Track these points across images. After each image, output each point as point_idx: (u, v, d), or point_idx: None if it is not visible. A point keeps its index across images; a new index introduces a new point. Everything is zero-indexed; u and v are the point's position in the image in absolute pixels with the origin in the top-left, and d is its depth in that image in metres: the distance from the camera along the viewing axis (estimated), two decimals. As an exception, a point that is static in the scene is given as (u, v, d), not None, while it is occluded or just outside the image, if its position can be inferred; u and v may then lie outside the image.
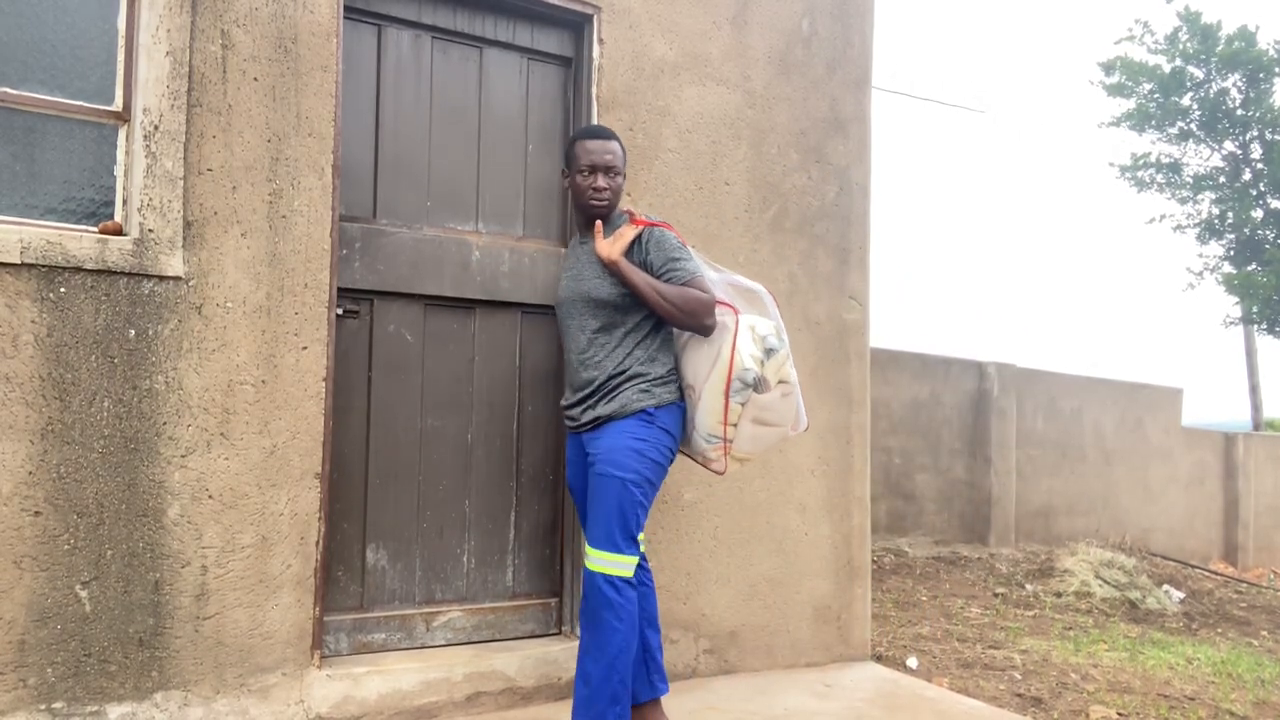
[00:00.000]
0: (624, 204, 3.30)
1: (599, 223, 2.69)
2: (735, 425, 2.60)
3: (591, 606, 2.48)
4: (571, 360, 2.71)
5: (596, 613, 2.47)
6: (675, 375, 2.69)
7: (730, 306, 2.66)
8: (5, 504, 2.37)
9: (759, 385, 2.57)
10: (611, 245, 2.61)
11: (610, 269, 2.61)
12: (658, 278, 2.61)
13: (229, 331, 2.64)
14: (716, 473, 2.75)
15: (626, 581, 2.48)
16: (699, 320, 2.57)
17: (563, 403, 2.77)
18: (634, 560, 2.50)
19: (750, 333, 2.58)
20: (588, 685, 2.46)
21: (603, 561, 2.48)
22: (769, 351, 2.58)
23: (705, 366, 2.62)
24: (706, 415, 2.62)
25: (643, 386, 2.60)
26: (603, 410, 2.60)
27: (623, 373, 2.61)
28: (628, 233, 2.63)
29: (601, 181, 2.68)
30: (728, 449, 2.64)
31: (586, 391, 2.65)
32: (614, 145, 2.72)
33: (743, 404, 2.56)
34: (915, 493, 7.78)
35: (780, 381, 2.62)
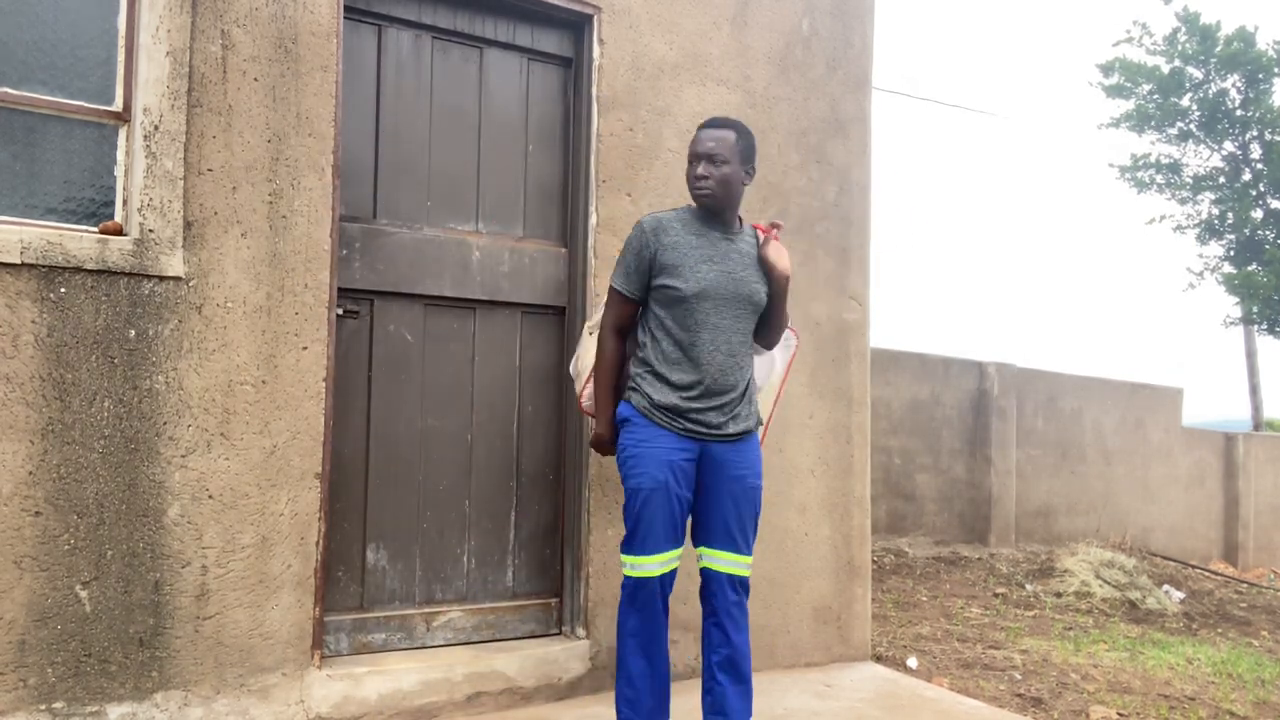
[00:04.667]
0: (623, 203, 3.31)
1: (774, 230, 2.67)
2: (766, 431, 2.85)
3: (741, 608, 2.61)
4: (718, 359, 2.54)
5: (746, 610, 2.63)
6: None
7: (793, 330, 2.91)
8: (5, 504, 2.37)
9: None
10: (784, 260, 2.63)
11: (781, 283, 2.63)
12: None
13: (229, 332, 2.64)
14: None
15: None
16: (778, 341, 2.80)
17: (691, 404, 2.53)
18: None
19: None
20: (747, 683, 2.61)
21: (749, 566, 2.64)
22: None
23: (758, 380, 2.79)
24: None
25: (752, 399, 2.68)
26: (748, 424, 2.61)
27: (750, 382, 2.65)
28: (785, 250, 2.66)
29: (702, 169, 2.56)
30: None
31: (730, 397, 2.56)
32: (718, 133, 2.59)
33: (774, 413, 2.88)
34: (915, 493, 7.78)
35: None
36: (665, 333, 2.55)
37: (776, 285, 2.63)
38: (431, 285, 3.10)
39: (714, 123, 2.62)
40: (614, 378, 2.65)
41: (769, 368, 2.85)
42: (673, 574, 2.57)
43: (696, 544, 2.64)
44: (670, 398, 2.52)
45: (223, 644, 2.60)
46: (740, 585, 2.61)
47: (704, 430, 2.54)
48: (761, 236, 2.69)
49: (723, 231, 2.62)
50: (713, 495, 2.58)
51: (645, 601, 2.53)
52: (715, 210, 2.60)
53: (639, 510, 2.50)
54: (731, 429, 2.56)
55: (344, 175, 2.96)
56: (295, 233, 2.74)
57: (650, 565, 2.51)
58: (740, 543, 2.60)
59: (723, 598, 2.59)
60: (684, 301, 2.52)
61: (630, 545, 2.53)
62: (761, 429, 2.82)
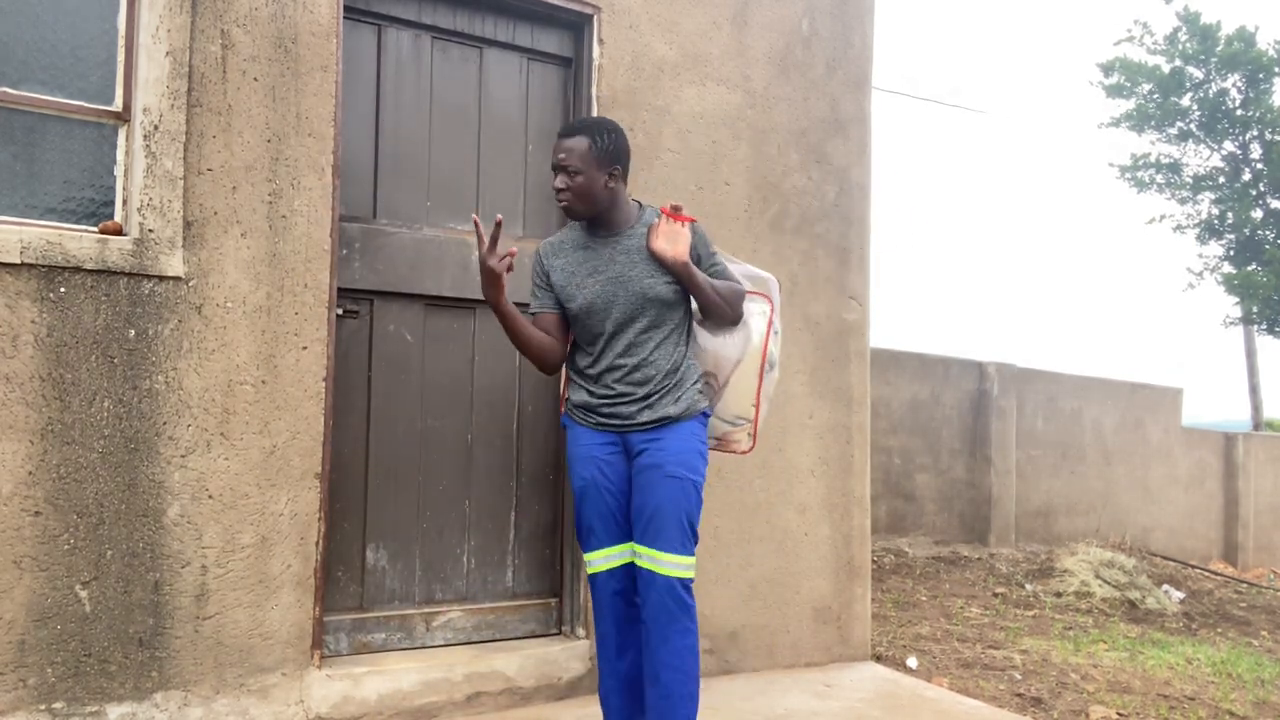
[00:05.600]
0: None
1: (673, 211, 2.52)
2: (760, 405, 2.73)
3: (667, 614, 2.41)
4: (618, 361, 2.53)
5: (676, 619, 2.41)
6: None
7: (763, 295, 2.73)
8: (5, 504, 2.37)
9: (773, 365, 2.73)
10: (675, 247, 2.49)
11: (677, 269, 2.49)
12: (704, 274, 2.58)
13: (229, 331, 2.64)
14: (741, 453, 2.82)
15: (691, 582, 2.47)
16: (737, 314, 2.63)
17: (601, 401, 2.56)
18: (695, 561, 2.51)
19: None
20: (668, 699, 2.41)
21: (679, 566, 2.43)
22: (775, 334, 2.73)
23: (733, 352, 2.67)
24: (738, 398, 2.71)
25: (699, 386, 2.59)
26: (671, 410, 2.50)
27: (678, 369, 2.56)
28: (683, 232, 2.52)
29: (559, 181, 2.51)
30: (756, 427, 2.77)
31: (644, 390, 2.51)
32: (568, 142, 2.49)
33: (770, 382, 2.74)
34: (915, 493, 7.78)
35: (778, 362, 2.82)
36: (576, 342, 2.64)
37: (678, 273, 2.49)
38: (431, 285, 3.10)
39: (566, 130, 2.52)
40: (525, 346, 2.57)
41: (745, 340, 2.69)
42: (622, 570, 2.55)
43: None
44: (584, 397, 2.59)
45: (222, 644, 2.60)
46: (659, 584, 2.41)
47: (618, 422, 2.53)
48: (661, 221, 2.54)
49: (607, 235, 2.57)
50: (633, 487, 2.54)
51: (599, 598, 2.58)
52: (585, 219, 2.57)
53: (577, 508, 2.60)
54: (645, 417, 2.50)
55: (344, 175, 2.96)
56: (295, 233, 2.74)
57: (595, 561, 2.57)
58: (655, 537, 2.42)
59: (644, 596, 2.46)
60: (578, 318, 2.57)
61: (579, 543, 2.63)
62: (748, 420, 2.75)
